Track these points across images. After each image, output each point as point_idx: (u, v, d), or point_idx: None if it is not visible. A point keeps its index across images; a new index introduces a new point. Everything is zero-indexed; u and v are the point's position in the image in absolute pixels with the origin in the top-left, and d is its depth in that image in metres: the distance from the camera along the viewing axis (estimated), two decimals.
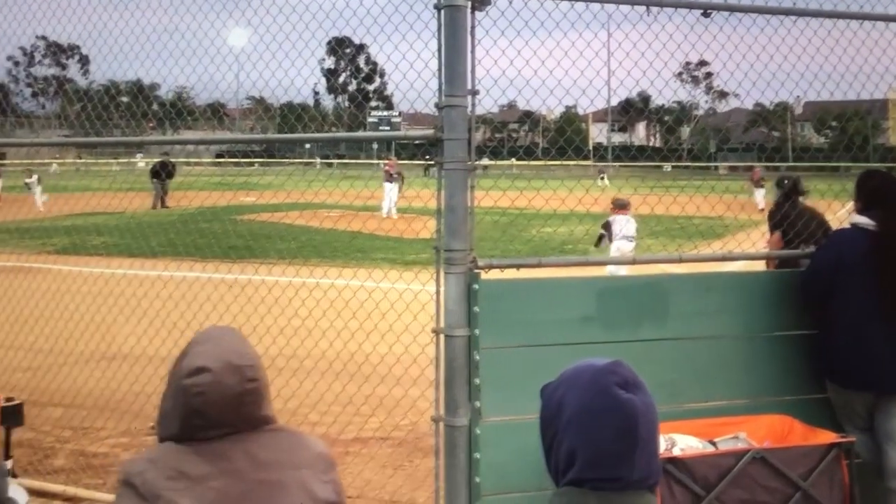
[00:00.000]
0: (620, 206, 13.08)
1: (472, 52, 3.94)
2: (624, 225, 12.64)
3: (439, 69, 3.93)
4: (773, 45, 4.79)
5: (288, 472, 2.19)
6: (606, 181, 33.72)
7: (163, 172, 28.80)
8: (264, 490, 2.14)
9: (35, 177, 29.05)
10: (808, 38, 4.83)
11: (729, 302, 4.40)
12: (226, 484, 2.10)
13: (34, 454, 6.18)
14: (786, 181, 9.58)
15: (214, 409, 2.13)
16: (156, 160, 31.28)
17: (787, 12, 4.68)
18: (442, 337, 3.95)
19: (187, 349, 2.25)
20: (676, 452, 3.66)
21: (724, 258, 4.64)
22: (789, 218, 8.35)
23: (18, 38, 6.31)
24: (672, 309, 4.30)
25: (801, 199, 9.13)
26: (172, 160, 29.46)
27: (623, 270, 7.48)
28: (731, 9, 4.56)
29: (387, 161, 30.71)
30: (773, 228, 8.80)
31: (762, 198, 28.66)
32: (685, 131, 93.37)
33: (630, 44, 4.57)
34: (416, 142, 4.21)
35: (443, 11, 3.92)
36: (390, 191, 27.53)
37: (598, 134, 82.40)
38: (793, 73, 4.97)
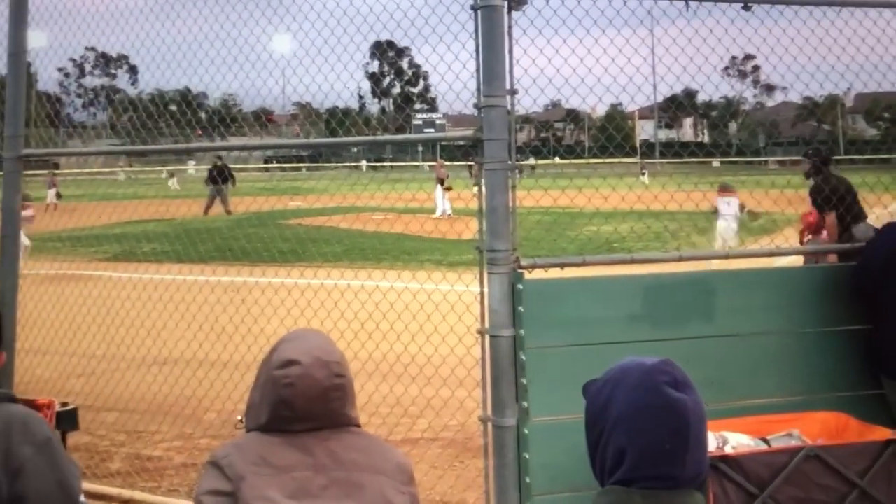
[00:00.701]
0: (726, 189, 13.27)
1: (510, 52, 3.94)
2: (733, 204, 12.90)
3: (477, 70, 3.95)
4: (817, 36, 4.72)
5: (367, 476, 2.22)
6: (646, 178, 33.37)
7: (219, 178, 28.67)
8: (343, 488, 2.18)
9: None
10: (852, 29, 4.75)
11: (778, 298, 4.34)
12: (307, 477, 2.16)
13: (90, 458, 6.29)
14: (812, 152, 9.35)
15: (302, 400, 2.19)
16: (208, 166, 31.22)
17: (829, 3, 4.61)
18: (487, 337, 3.96)
19: (277, 345, 2.34)
20: (728, 450, 3.61)
21: (771, 254, 4.58)
22: (838, 192, 8.42)
23: (65, 49, 6.44)
24: (720, 306, 4.25)
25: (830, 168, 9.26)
26: (227, 165, 29.28)
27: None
28: (772, 1, 4.50)
29: (432, 164, 31.27)
30: (821, 209, 8.79)
31: None
32: (733, 126, 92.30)
33: (670, 39, 4.54)
34: (459, 143, 4.22)
35: (479, 12, 3.93)
36: (441, 192, 28.27)
37: (642, 131, 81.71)
38: (838, 65, 4.89)
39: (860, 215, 8.53)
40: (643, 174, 36.69)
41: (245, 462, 2.15)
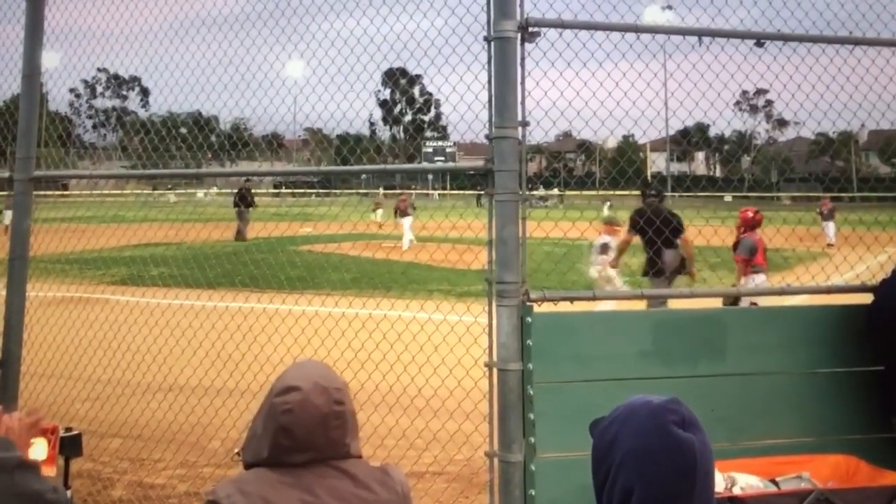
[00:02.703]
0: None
1: (523, 83, 3.94)
2: None
3: (489, 101, 3.95)
4: (829, 74, 4.71)
5: None
6: (606, 210, 32.54)
7: (241, 203, 28.29)
8: None
9: None
10: (865, 67, 4.73)
11: (790, 337, 4.29)
12: None
13: (93, 485, 6.24)
14: (649, 189, 12.33)
15: (301, 427, 2.17)
16: (221, 189, 30.97)
17: (841, 41, 4.60)
18: (495, 371, 3.92)
19: (281, 375, 2.33)
20: (737, 491, 3.56)
21: (782, 292, 4.53)
22: (644, 216, 11.24)
23: (77, 70, 6.47)
24: (731, 344, 4.20)
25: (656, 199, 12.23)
26: (250, 189, 28.99)
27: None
28: (785, 38, 4.49)
29: (442, 193, 31.54)
30: (633, 227, 11.70)
31: (833, 231, 27.49)
32: (745, 161, 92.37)
33: (682, 74, 4.54)
34: (470, 172, 4.21)
35: (493, 43, 3.94)
36: (406, 223, 28.22)
37: (653, 164, 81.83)
38: (850, 103, 4.87)
39: (670, 243, 11.04)
40: (608, 205, 35.69)
41: None
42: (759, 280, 11.05)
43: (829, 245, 24.38)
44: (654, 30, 4.34)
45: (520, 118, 3.93)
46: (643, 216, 11.22)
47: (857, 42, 4.64)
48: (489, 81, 3.97)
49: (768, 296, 4.63)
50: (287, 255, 21.48)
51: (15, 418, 2.48)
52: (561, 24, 4.11)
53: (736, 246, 11.42)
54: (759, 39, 4.45)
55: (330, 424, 2.20)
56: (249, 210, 29.07)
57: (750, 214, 11.47)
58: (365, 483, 2.22)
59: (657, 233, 10.52)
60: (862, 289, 4.52)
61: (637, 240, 11.93)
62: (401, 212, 28.51)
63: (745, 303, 7.69)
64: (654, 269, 11.11)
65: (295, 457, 2.18)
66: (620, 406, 1.98)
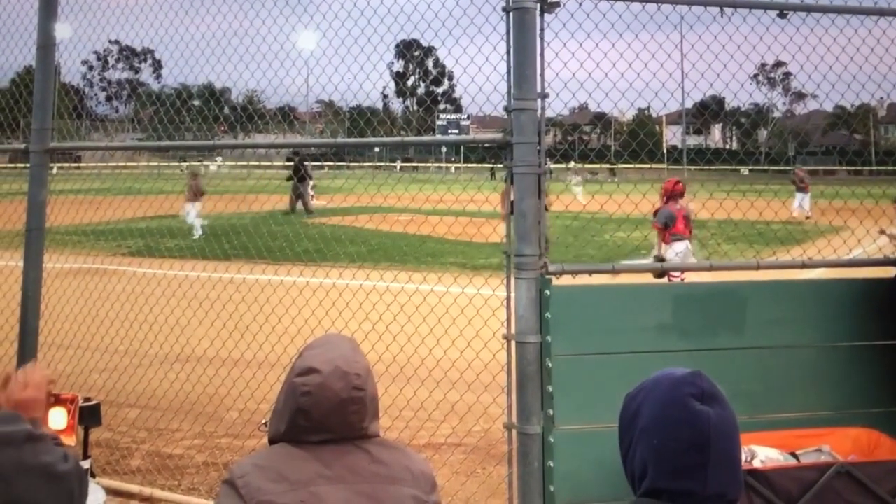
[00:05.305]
0: None
1: (542, 54, 3.89)
2: None
3: (508, 72, 3.91)
4: (853, 45, 4.63)
5: (388, 488, 2.20)
6: (579, 188, 28.90)
7: (294, 175, 27.86)
8: (364, 502, 2.15)
9: None
10: (890, 39, 4.65)
11: (810, 310, 4.25)
12: (326, 491, 2.13)
13: (111, 454, 6.30)
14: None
15: (318, 410, 2.18)
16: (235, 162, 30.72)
17: (867, 12, 4.52)
18: (513, 343, 3.91)
19: (303, 351, 2.34)
20: (757, 465, 3.55)
21: (803, 265, 4.48)
22: None
23: (90, 42, 6.44)
24: (750, 317, 4.17)
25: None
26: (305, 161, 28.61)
27: None
28: (809, 9, 4.42)
29: (458, 166, 30.29)
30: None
31: (805, 203, 24.96)
32: (762, 134, 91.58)
33: (703, 45, 4.47)
34: (485, 145, 4.18)
35: (511, 14, 3.89)
36: (192, 209, 22.44)
37: (672, 137, 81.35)
38: (874, 75, 4.79)
39: None
40: (576, 183, 30.47)
41: (261, 480, 2.12)
42: (680, 248, 11.62)
43: (808, 218, 23.06)
44: (674, 0, 4.28)
45: (539, 90, 3.89)
46: None
47: (881, 13, 4.55)
48: (507, 53, 3.93)
49: (788, 269, 4.56)
50: (302, 227, 21.52)
51: (35, 372, 2.44)
52: None
53: (655, 214, 11.94)
54: (783, 10, 4.38)
55: (348, 409, 2.20)
56: (306, 183, 28.59)
57: (671, 185, 11.90)
58: (380, 459, 2.23)
59: None
60: (885, 262, 4.47)
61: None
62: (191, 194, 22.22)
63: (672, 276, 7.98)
64: None
65: (311, 436, 2.19)
66: (648, 378, 1.98)
